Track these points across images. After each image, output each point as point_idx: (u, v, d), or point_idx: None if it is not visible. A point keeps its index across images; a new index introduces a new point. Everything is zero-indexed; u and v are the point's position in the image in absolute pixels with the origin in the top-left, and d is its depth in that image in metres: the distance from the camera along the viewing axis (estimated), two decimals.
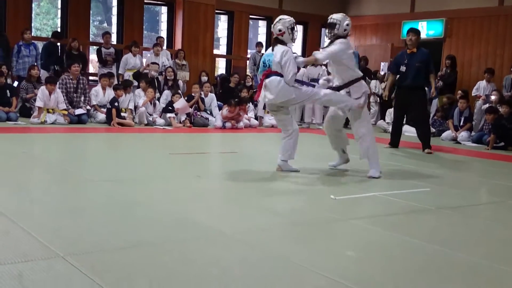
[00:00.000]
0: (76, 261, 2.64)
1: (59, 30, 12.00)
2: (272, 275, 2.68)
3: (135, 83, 10.71)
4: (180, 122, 10.24)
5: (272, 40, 5.65)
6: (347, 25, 5.50)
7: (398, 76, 8.25)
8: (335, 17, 5.54)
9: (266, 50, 5.95)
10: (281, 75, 5.35)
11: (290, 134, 5.62)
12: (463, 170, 6.88)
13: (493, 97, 10.15)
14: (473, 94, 11.13)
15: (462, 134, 9.99)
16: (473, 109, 10.88)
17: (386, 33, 14.44)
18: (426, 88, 8.42)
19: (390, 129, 11.00)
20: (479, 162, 7.66)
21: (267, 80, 5.41)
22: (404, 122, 8.84)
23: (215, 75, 14.08)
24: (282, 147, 5.64)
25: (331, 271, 2.74)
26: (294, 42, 5.65)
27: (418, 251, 3.21)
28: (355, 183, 5.30)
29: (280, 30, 5.45)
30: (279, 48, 5.44)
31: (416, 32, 8.09)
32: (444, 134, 10.36)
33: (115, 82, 10.79)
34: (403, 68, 8.03)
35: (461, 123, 10.26)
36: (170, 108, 10.23)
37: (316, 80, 11.41)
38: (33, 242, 2.91)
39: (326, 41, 5.85)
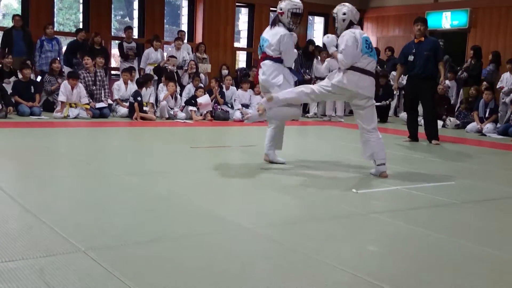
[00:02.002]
0: (97, 255, 2.65)
1: (81, 25, 12.08)
2: (293, 270, 2.65)
3: (156, 77, 10.76)
4: (201, 115, 10.26)
5: (274, 18, 5.49)
6: (344, 13, 5.07)
7: (407, 66, 8.16)
8: (334, 10, 5.18)
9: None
10: (275, 59, 5.31)
11: (275, 124, 5.54)
12: (488, 162, 6.74)
13: None
14: (497, 87, 10.91)
15: (488, 126, 9.82)
16: (498, 101, 10.67)
17: (409, 24, 14.08)
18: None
19: None
20: (505, 155, 7.51)
21: (262, 63, 5.41)
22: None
23: (236, 68, 14.05)
24: (269, 136, 5.56)
25: (353, 266, 2.70)
26: (292, 29, 5.38)
27: (442, 246, 3.15)
28: (377, 176, 5.22)
29: (281, 9, 5.35)
30: (277, 31, 5.32)
31: (425, 21, 8.06)
32: (469, 126, 10.19)
33: (137, 76, 10.84)
34: (411, 58, 7.97)
35: (487, 115, 10.08)
36: (193, 101, 10.26)
37: None
38: (55, 236, 2.93)
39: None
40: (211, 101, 10.43)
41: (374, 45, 14.38)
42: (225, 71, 11.86)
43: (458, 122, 10.67)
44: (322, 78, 11.54)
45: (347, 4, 5.19)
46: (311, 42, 12.50)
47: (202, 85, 10.92)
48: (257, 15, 14.27)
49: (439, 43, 8.19)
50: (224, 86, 10.95)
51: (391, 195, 4.46)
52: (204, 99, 10.15)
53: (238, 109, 10.49)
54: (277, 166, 5.52)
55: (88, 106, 9.45)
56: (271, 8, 14.58)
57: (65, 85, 9.32)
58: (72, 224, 3.18)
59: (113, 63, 13.91)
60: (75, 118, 9.16)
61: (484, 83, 10.79)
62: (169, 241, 2.97)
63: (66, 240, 2.86)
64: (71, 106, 9.30)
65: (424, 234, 3.35)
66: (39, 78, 10.36)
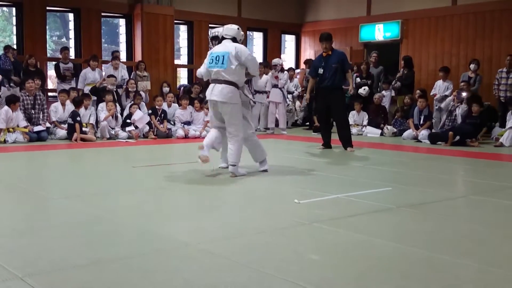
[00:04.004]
0: (35, 281, 2.59)
1: (15, 47, 11.76)
2: (236, 284, 2.67)
3: (94, 98, 10.58)
4: (143, 135, 10.18)
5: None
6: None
7: (318, 78, 8.58)
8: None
9: None
10: None
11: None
12: (423, 168, 7.01)
13: (464, 94, 10.33)
14: (431, 94, 11.34)
15: (423, 133, 10.19)
16: (432, 108, 11.11)
17: (344, 37, 14.65)
18: (343, 87, 8.85)
19: (353, 130, 11.16)
20: (440, 160, 7.82)
21: None
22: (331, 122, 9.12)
23: (177, 85, 14.02)
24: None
25: (295, 275, 2.75)
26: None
27: (380, 250, 3.26)
28: (318, 186, 5.34)
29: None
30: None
31: (328, 38, 8.47)
32: (405, 134, 10.55)
33: None
34: (321, 71, 8.41)
35: (421, 122, 10.47)
36: (127, 121, 10.17)
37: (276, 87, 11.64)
38: None
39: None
40: (156, 119, 10.37)
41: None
42: (166, 89, 11.81)
43: (395, 130, 11.03)
44: (261, 92, 11.78)
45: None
46: None
47: (143, 103, 10.87)
48: (196, 32, 14.32)
49: (345, 55, 8.78)
50: (166, 103, 10.90)
51: (332, 204, 4.57)
52: (137, 115, 10.10)
53: (180, 128, 10.47)
54: (219, 181, 5.56)
55: (26, 130, 9.19)
56: (209, 25, 14.67)
57: (6, 111, 9.03)
58: (8, 251, 3.09)
59: (50, 85, 13.60)
60: (13, 143, 8.89)
61: (418, 91, 11.21)
62: (110, 263, 2.93)
63: (2, 267, 2.77)
64: (9, 131, 9.02)
65: (363, 240, 3.45)
66: None
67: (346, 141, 8.46)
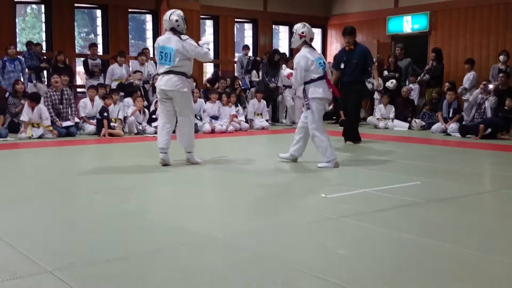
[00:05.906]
0: (65, 275, 2.62)
1: (44, 44, 11.96)
2: (264, 278, 2.67)
3: (122, 93, 10.69)
4: None
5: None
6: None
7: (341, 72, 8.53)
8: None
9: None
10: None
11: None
12: (453, 161, 6.89)
13: (491, 86, 10.11)
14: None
15: (452, 126, 10.02)
16: (461, 101, 10.90)
17: (371, 29, 14.47)
18: (366, 82, 8.90)
19: (380, 124, 11.13)
20: (470, 153, 7.68)
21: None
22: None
23: (204, 80, 14.05)
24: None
25: (323, 270, 2.73)
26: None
27: (409, 246, 3.22)
28: (345, 180, 5.30)
29: (303, 33, 6.09)
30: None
31: (351, 32, 8.35)
32: (434, 127, 10.40)
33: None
34: (342, 65, 8.35)
35: (450, 115, 10.29)
36: (153, 116, 10.24)
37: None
38: (21, 258, 2.89)
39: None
40: None
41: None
42: (192, 84, 11.82)
43: (423, 123, 10.88)
44: (289, 87, 11.74)
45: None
46: (277, 51, 12.61)
47: None
48: (222, 27, 14.33)
49: (368, 50, 8.60)
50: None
51: (360, 198, 4.53)
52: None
53: (208, 122, 10.50)
54: (246, 175, 5.56)
55: (51, 128, 9.32)
56: (235, 19, 14.68)
57: (27, 105, 9.21)
58: (38, 245, 3.14)
59: (79, 81, 13.79)
60: (40, 138, 9.05)
61: (447, 84, 11.02)
62: (139, 257, 2.95)
63: (32, 261, 2.82)
64: (33, 126, 9.18)
65: (392, 235, 3.41)
66: (7, 95, 10.21)
67: (348, 135, 8.43)
